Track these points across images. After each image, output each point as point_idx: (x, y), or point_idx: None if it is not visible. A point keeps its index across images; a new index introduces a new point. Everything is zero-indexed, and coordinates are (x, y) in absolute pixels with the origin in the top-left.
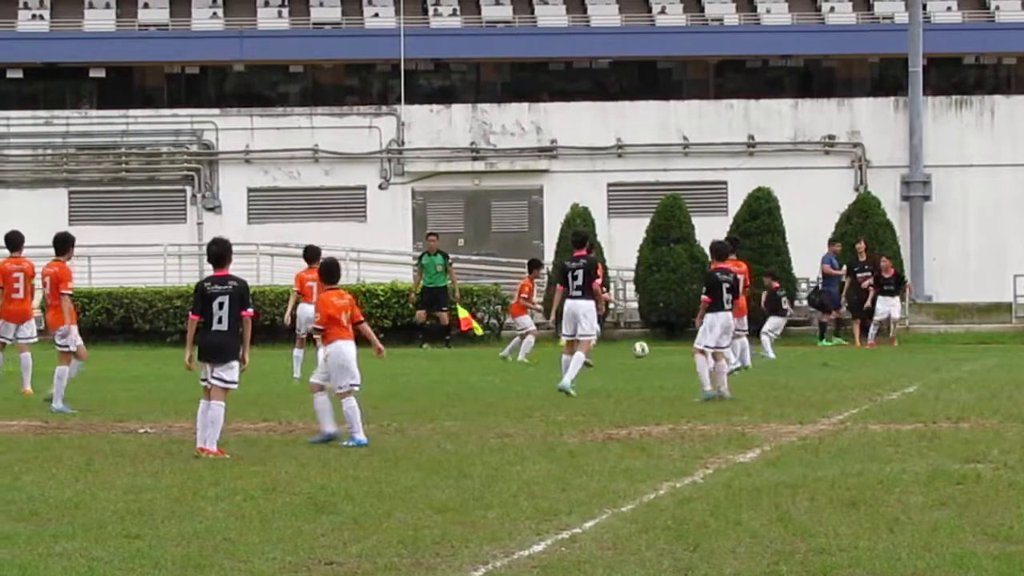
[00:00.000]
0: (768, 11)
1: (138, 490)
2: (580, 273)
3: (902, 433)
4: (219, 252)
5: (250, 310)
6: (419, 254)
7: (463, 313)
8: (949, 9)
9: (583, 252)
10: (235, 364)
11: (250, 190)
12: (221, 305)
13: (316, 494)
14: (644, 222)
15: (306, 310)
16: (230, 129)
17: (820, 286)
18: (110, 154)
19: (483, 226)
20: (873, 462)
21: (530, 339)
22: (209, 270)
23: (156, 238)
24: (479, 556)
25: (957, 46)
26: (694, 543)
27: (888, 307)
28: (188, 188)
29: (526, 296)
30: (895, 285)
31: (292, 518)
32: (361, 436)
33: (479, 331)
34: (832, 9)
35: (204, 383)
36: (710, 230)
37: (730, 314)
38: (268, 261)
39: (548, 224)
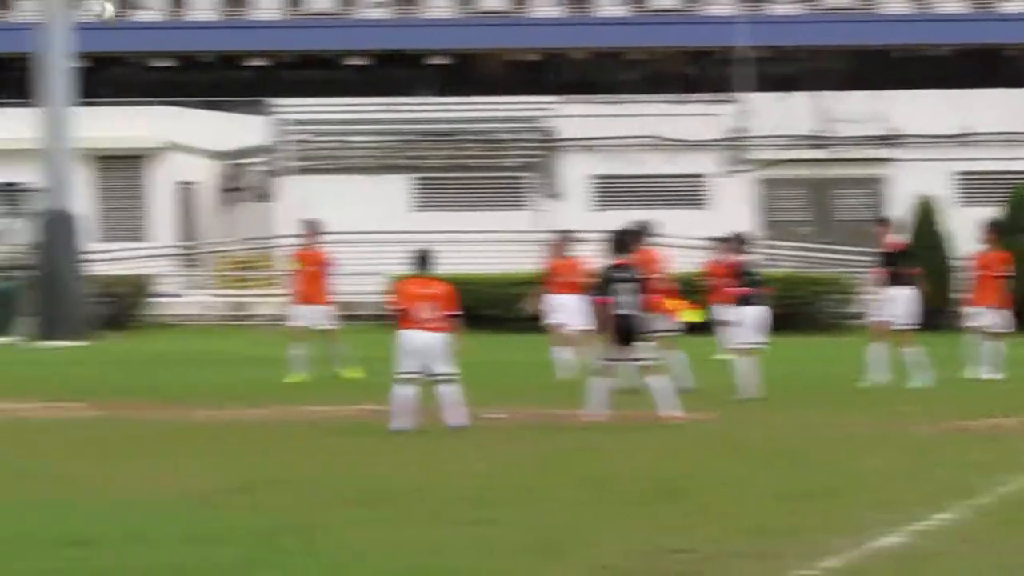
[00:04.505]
0: None
1: (485, 475)
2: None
3: None
4: (620, 239)
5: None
6: None
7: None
8: None
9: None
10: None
11: (592, 177)
12: (624, 292)
13: (661, 481)
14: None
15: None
16: (570, 116)
17: None
18: (451, 141)
19: (826, 215)
20: None
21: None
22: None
23: (496, 225)
24: (829, 547)
25: None
26: None
27: None
28: (529, 175)
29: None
30: None
31: (638, 505)
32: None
33: (696, 318)
34: None
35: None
36: None
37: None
38: None
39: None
